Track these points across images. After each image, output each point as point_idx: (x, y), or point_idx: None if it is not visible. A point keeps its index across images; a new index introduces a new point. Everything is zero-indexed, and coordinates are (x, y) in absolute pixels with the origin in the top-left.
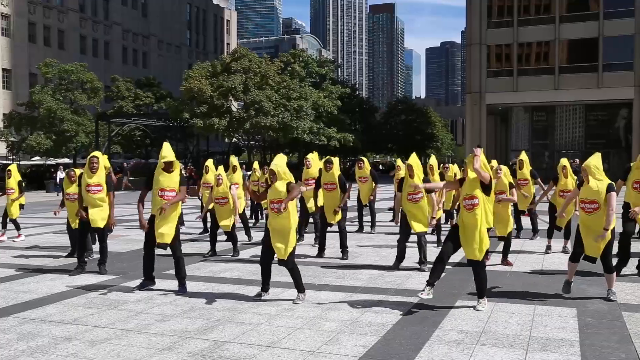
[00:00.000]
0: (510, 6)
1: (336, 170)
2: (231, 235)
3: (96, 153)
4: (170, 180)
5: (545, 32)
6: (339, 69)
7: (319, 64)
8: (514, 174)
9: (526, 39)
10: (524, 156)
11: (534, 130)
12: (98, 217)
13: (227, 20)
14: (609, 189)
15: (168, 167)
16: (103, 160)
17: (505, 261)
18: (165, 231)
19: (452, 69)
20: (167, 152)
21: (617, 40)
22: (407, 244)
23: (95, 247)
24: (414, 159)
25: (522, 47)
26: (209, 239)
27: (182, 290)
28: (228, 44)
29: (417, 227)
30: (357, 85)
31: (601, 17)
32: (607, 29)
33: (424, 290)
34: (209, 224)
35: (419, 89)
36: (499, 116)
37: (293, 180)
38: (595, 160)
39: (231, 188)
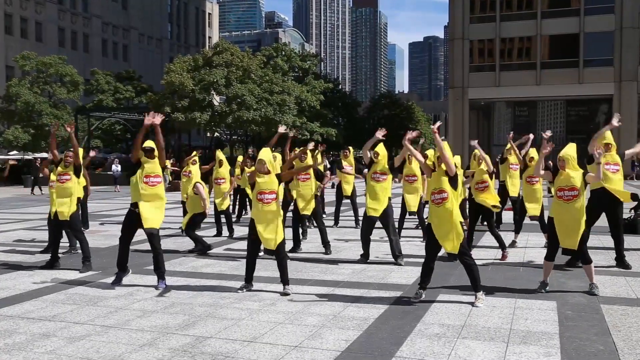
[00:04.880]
0: (493, 1)
1: (309, 161)
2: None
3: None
4: (154, 167)
5: (527, 27)
6: (322, 63)
7: (302, 58)
8: (503, 161)
9: (508, 34)
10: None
11: (516, 125)
12: (65, 209)
13: (209, 14)
14: (584, 174)
15: (150, 154)
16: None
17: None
18: (152, 216)
19: (435, 63)
20: (148, 143)
21: (597, 36)
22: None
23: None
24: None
25: (504, 43)
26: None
27: (161, 285)
28: (210, 37)
29: (373, 212)
30: (340, 80)
31: (582, 13)
32: (588, 25)
33: (416, 294)
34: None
35: (402, 84)
36: (481, 111)
37: (278, 170)
38: (571, 150)
39: (196, 186)
